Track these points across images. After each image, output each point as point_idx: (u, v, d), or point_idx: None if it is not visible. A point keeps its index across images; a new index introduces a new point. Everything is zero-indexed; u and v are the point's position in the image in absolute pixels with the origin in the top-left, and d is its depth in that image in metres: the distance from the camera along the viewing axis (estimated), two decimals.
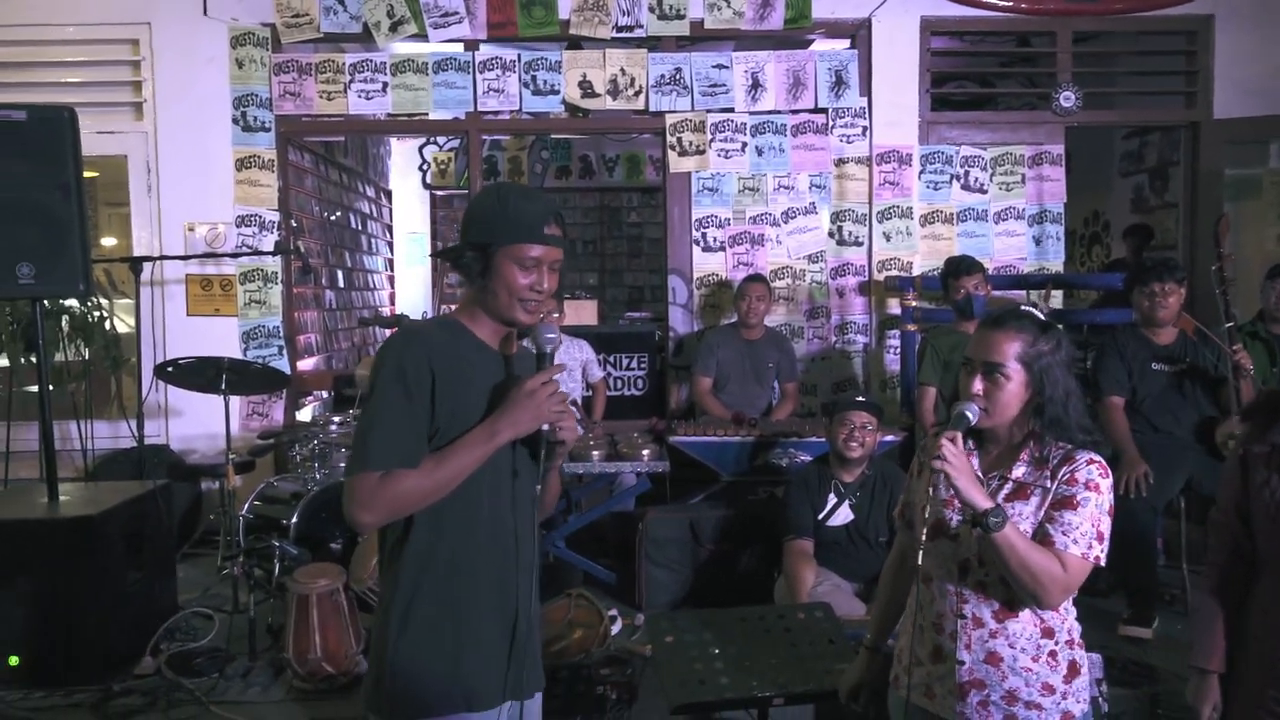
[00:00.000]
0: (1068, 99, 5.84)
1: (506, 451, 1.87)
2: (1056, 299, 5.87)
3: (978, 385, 1.95)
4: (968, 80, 6.62)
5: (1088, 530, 1.88)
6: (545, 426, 1.83)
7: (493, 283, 1.84)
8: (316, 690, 3.54)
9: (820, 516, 3.84)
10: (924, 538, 1.91)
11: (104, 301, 5.55)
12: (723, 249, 5.87)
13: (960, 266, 4.71)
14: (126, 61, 5.74)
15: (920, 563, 1.93)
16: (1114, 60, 6.49)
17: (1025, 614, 1.93)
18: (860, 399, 3.94)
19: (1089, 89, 5.91)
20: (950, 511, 1.99)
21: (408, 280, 10.08)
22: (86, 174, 4.01)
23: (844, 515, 3.84)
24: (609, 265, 10.84)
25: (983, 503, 1.84)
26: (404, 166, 10.11)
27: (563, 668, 3.45)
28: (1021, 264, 5.90)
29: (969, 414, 1.93)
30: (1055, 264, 5.94)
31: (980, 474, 2.01)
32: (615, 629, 3.89)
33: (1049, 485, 1.93)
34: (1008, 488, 1.97)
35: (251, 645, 3.83)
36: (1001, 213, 5.92)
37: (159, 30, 5.66)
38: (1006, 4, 5.78)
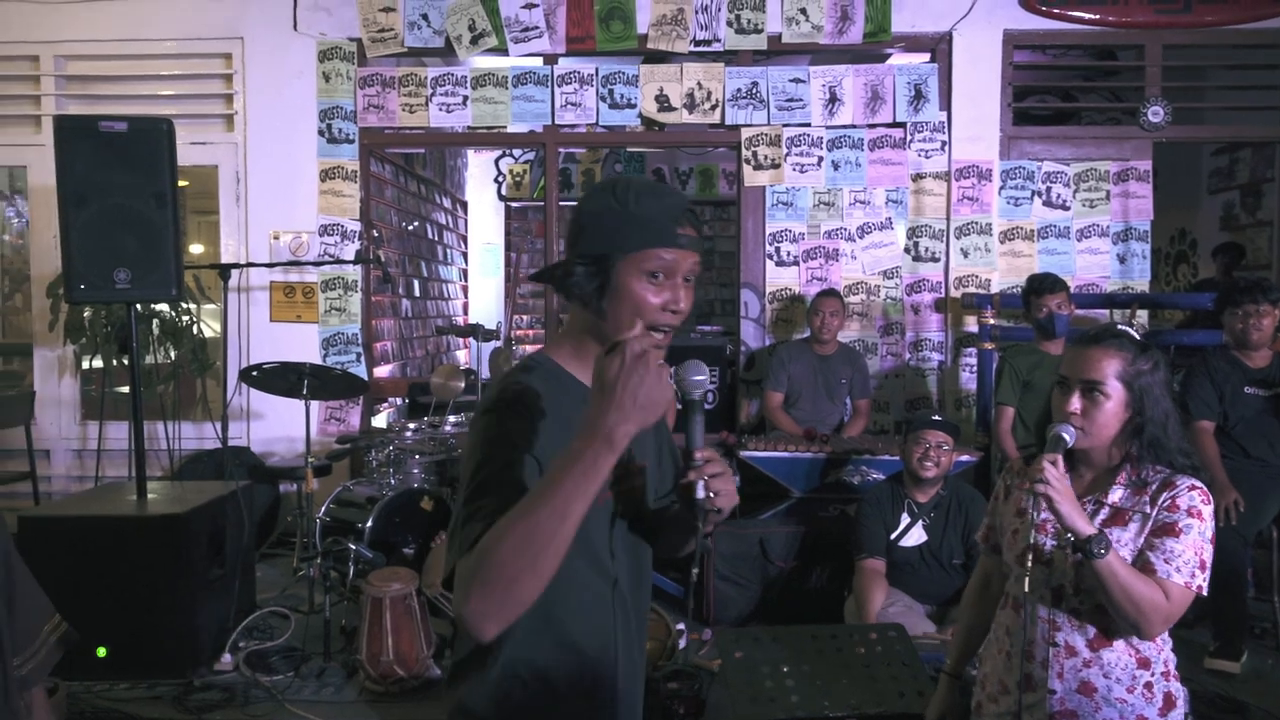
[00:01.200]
0: (1156, 114, 5.68)
1: (602, 526, 1.45)
2: (1142, 318, 5.71)
3: (1075, 404, 1.89)
4: (1051, 94, 6.49)
5: (1190, 558, 1.82)
6: (700, 492, 1.37)
7: (613, 304, 1.43)
8: (388, 692, 3.60)
9: (893, 536, 3.79)
10: (1021, 563, 1.87)
11: (192, 306, 5.74)
12: (796, 263, 5.84)
13: (1043, 284, 4.61)
14: (220, 75, 5.95)
15: (1020, 588, 1.88)
16: (1205, 74, 6.30)
17: (1120, 644, 1.88)
18: (936, 418, 3.88)
19: (1178, 103, 5.74)
20: (1043, 536, 1.94)
21: (481, 290, 10.22)
22: (179, 183, 4.16)
23: (917, 536, 3.78)
24: None
25: (1085, 528, 1.78)
26: (480, 178, 10.26)
27: None
28: (1105, 282, 5.75)
29: (1066, 436, 1.87)
30: (1140, 283, 5.78)
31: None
32: (682, 643, 3.88)
33: (1149, 511, 1.87)
34: (1104, 513, 1.91)
35: (326, 646, 3.91)
36: (1085, 230, 5.78)
37: (251, 45, 5.86)
38: (1093, 17, 5.65)
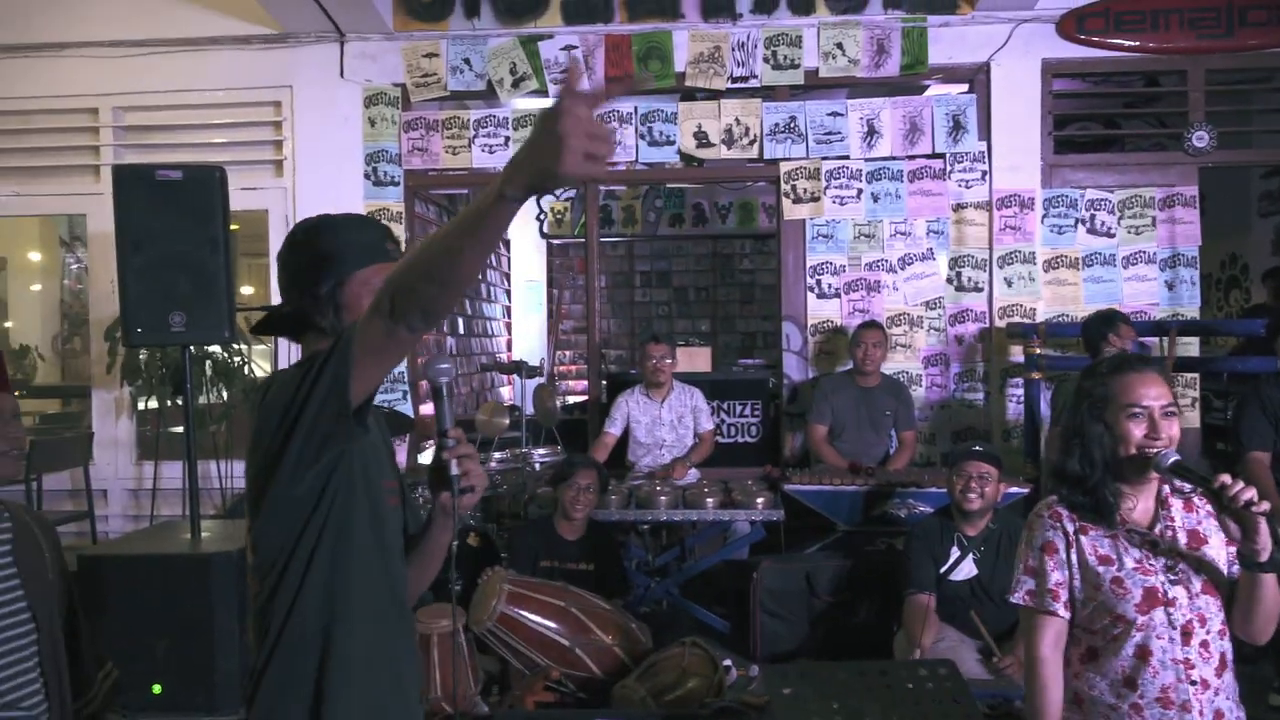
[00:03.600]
0: (1201, 139, 5.61)
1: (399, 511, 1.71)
2: (1193, 346, 5.61)
3: (1175, 429, 1.92)
4: (1092, 121, 6.45)
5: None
6: (454, 469, 1.61)
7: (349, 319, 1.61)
8: None
9: (942, 570, 3.74)
10: (1156, 603, 1.93)
11: (243, 347, 5.85)
12: (837, 295, 5.83)
13: (1113, 320, 4.46)
14: (269, 122, 6.11)
15: (1167, 633, 1.91)
16: (1250, 97, 6.22)
17: (1231, 663, 1.94)
18: (978, 448, 3.83)
19: (1224, 128, 5.67)
20: (1149, 577, 1.91)
21: (524, 327, 10.31)
22: (231, 227, 4.27)
23: (967, 570, 3.73)
24: (721, 312, 10.88)
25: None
26: (522, 215, 10.30)
27: (677, 718, 3.42)
28: (1153, 309, 5.65)
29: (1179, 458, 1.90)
30: (1190, 309, 5.68)
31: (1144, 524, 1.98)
32: (730, 679, 3.85)
33: (1214, 521, 1.93)
34: (1183, 536, 1.96)
35: None
36: (1131, 257, 5.70)
37: (299, 92, 6.01)
38: (1133, 44, 5.62)
